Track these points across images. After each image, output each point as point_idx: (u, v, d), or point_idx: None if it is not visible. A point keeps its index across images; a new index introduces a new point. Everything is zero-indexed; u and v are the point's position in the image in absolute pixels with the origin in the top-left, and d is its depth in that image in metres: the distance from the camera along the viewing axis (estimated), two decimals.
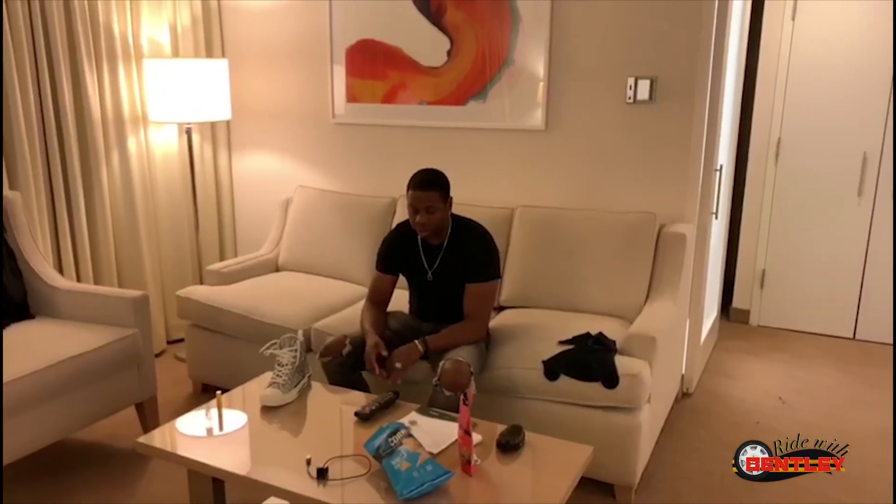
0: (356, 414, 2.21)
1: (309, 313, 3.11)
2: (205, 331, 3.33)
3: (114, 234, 3.73)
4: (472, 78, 3.47)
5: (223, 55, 4.11)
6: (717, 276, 4.13)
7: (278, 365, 2.38)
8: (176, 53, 3.94)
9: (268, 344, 2.46)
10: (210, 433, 2.13)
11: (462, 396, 1.92)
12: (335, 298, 3.28)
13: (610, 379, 2.43)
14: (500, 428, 2.09)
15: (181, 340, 3.78)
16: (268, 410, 2.28)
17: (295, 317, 3.07)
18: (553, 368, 2.52)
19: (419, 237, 2.62)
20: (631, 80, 3.12)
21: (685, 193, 3.15)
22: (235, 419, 2.20)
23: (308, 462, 1.91)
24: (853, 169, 4.11)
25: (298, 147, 4.06)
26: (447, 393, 2.32)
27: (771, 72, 4.20)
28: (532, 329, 2.79)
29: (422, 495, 1.76)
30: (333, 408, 2.39)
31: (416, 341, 2.47)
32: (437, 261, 2.63)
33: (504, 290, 3.16)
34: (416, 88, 3.63)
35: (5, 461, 2.41)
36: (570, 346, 2.59)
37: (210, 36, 4.06)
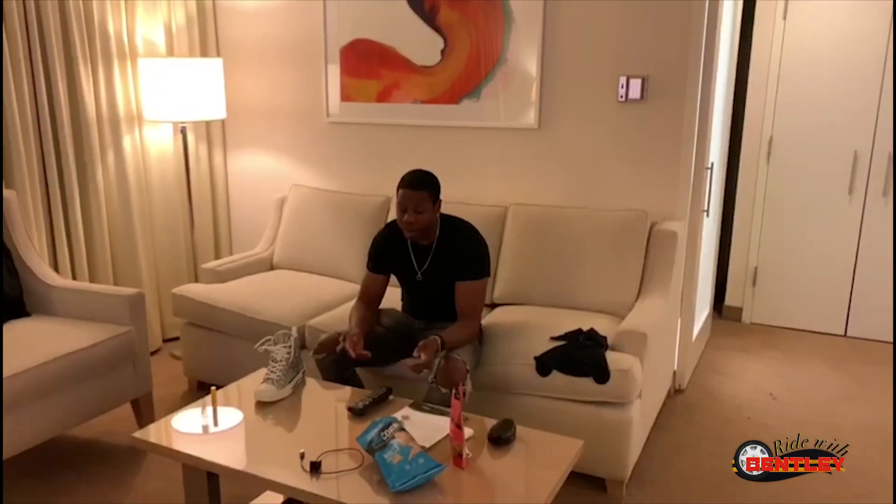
0: (349, 409, 2.23)
1: (303, 311, 3.13)
2: (200, 328, 3.35)
3: (109, 232, 3.75)
4: (466, 77, 3.50)
5: (218, 54, 4.13)
6: (709, 274, 4.16)
7: (272, 361, 2.40)
8: (171, 53, 3.96)
9: (262, 340, 2.48)
10: (205, 428, 2.15)
11: (454, 390, 1.94)
12: (329, 296, 3.30)
13: (601, 374, 2.46)
14: (492, 422, 2.12)
15: (177, 338, 3.80)
16: (262, 406, 2.30)
17: (289, 314, 3.09)
18: (545, 364, 2.54)
19: (409, 239, 2.62)
20: (623, 79, 3.15)
21: (676, 191, 3.18)
22: (230, 415, 2.21)
23: (302, 456, 1.93)
24: (844, 167, 4.15)
25: (293, 146, 4.08)
26: (443, 390, 2.34)
27: (762, 71, 4.24)
28: (524, 326, 2.81)
29: (413, 488, 1.78)
30: (327, 403, 2.42)
31: (435, 337, 2.39)
32: (427, 261, 2.64)
33: (497, 288, 3.19)
34: (409, 87, 3.65)
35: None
36: (562, 343, 2.61)
37: (205, 35, 4.07)
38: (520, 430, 2.09)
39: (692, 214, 3.23)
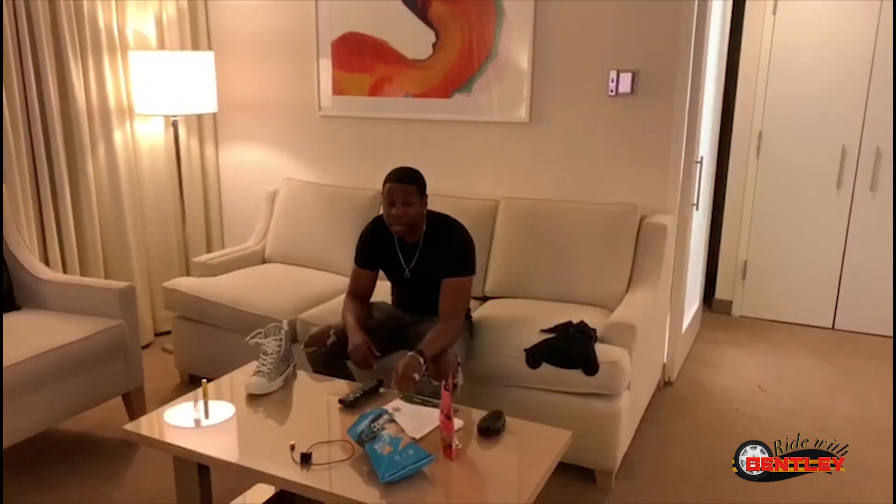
0: (340, 401, 2.24)
1: (295, 304, 3.14)
2: (191, 322, 3.36)
3: (100, 225, 3.74)
4: (457, 71, 3.50)
5: (209, 48, 4.12)
6: (699, 267, 4.18)
7: (263, 354, 2.40)
8: (162, 46, 3.95)
9: (253, 333, 2.48)
10: (196, 421, 2.15)
11: (443, 382, 1.96)
12: (321, 289, 3.31)
13: (590, 366, 2.48)
14: (482, 414, 2.13)
15: (168, 332, 3.80)
16: (253, 398, 2.31)
17: (281, 307, 3.10)
18: (535, 356, 2.56)
19: (396, 235, 2.60)
20: (613, 74, 3.16)
21: (666, 185, 3.20)
22: (221, 407, 2.22)
23: (292, 448, 1.94)
24: (832, 162, 4.18)
25: (285, 139, 4.08)
26: (434, 383, 2.35)
27: (752, 66, 4.26)
28: (515, 318, 2.83)
29: (403, 478, 1.79)
30: (318, 396, 2.43)
31: (414, 354, 2.34)
32: (415, 259, 2.63)
33: (488, 281, 3.20)
34: (401, 81, 3.65)
35: None
36: (552, 335, 2.63)
37: (196, 28, 4.06)
38: (509, 421, 2.11)
39: (682, 208, 3.25)
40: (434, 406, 2.17)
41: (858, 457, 2.82)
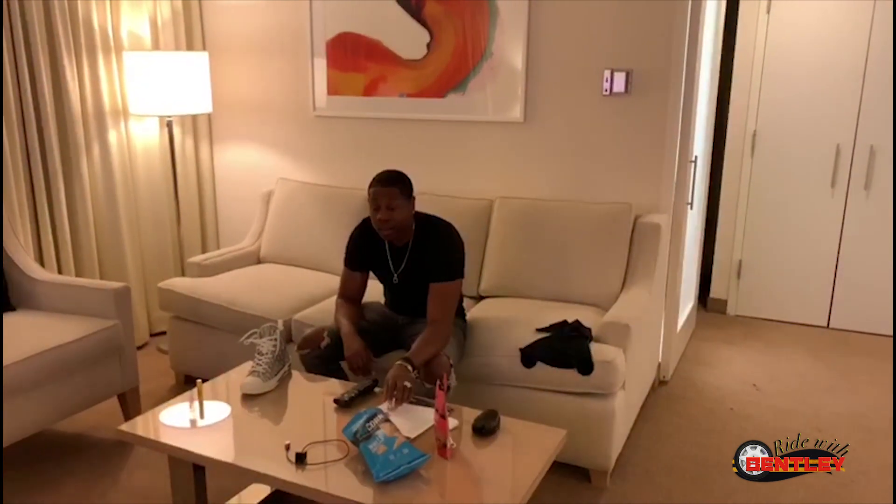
0: (335, 401, 2.24)
1: (290, 304, 3.14)
2: (187, 322, 3.35)
3: (95, 226, 3.73)
4: (452, 71, 3.51)
5: (204, 48, 4.11)
6: (694, 266, 4.19)
7: (258, 354, 2.41)
8: (156, 46, 3.94)
9: (248, 333, 2.48)
10: (191, 421, 2.16)
11: (438, 381, 1.96)
12: (315, 290, 3.31)
13: (585, 366, 2.48)
14: (477, 413, 2.14)
15: (163, 333, 3.80)
16: (248, 398, 2.31)
17: (276, 308, 3.10)
18: (530, 356, 2.56)
19: (385, 240, 2.58)
20: (607, 73, 3.17)
21: (660, 184, 3.21)
22: (216, 408, 2.22)
23: (287, 447, 1.94)
24: (827, 161, 4.19)
25: (279, 140, 4.08)
26: (427, 385, 2.35)
27: (746, 65, 4.27)
28: (510, 318, 2.83)
29: (398, 478, 1.80)
30: (313, 395, 2.43)
31: (403, 363, 2.28)
32: (403, 263, 2.61)
33: (483, 280, 3.21)
34: (396, 81, 3.66)
35: None
36: (547, 334, 2.63)
37: (190, 29, 4.06)
38: (504, 420, 2.12)
39: (676, 207, 3.26)
40: (428, 405, 2.17)
41: (853, 455, 2.83)
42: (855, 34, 4.00)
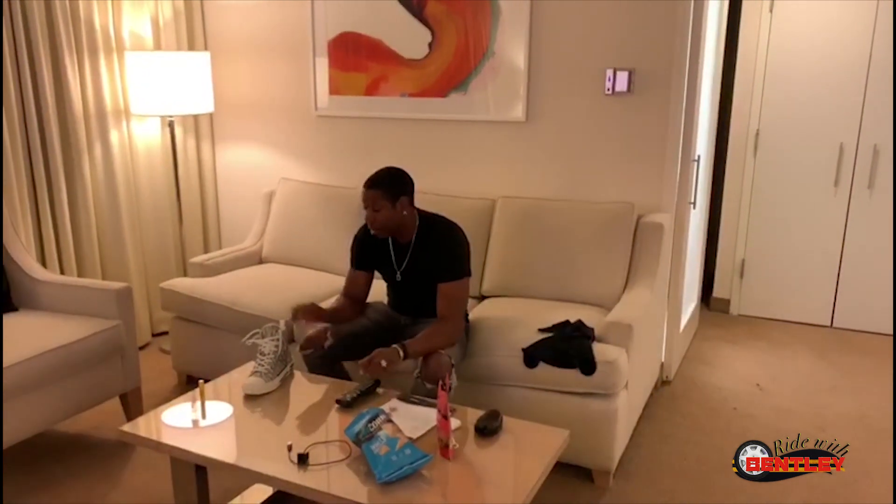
0: (337, 401, 2.24)
1: (292, 304, 3.09)
2: (189, 322, 3.35)
3: (97, 226, 3.73)
4: (453, 70, 3.50)
5: (205, 48, 4.11)
6: (697, 266, 4.18)
7: (260, 354, 2.40)
8: (158, 46, 3.94)
9: (250, 333, 2.48)
10: (193, 421, 2.15)
11: (440, 381, 1.95)
12: (318, 290, 3.29)
13: (587, 366, 2.48)
14: (479, 413, 2.13)
15: (166, 333, 3.79)
16: (250, 399, 2.31)
17: (278, 308, 3.08)
18: (532, 356, 2.56)
19: (389, 237, 2.60)
20: (609, 72, 3.16)
21: (663, 184, 3.20)
22: (218, 408, 2.22)
23: (289, 448, 1.94)
24: (830, 160, 4.18)
25: (281, 139, 4.08)
26: (428, 385, 2.35)
27: (749, 64, 4.26)
28: (512, 318, 2.82)
29: (400, 478, 1.79)
30: (315, 396, 2.42)
31: (396, 346, 2.33)
32: (406, 261, 2.61)
33: (485, 280, 3.20)
34: (397, 81, 3.65)
35: None
36: (550, 334, 2.63)
37: (192, 29, 4.06)
38: (506, 420, 2.11)
39: (679, 206, 3.25)
40: (430, 406, 2.16)
41: (856, 455, 2.82)
42: (858, 33, 3.98)
